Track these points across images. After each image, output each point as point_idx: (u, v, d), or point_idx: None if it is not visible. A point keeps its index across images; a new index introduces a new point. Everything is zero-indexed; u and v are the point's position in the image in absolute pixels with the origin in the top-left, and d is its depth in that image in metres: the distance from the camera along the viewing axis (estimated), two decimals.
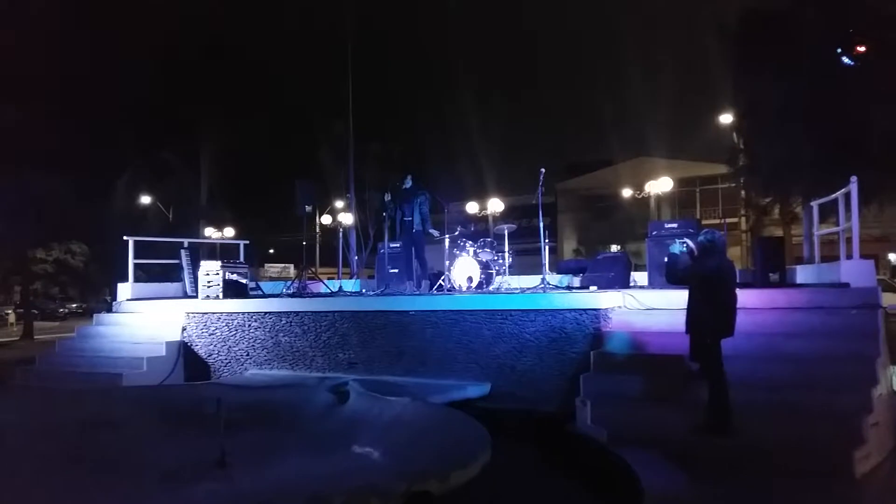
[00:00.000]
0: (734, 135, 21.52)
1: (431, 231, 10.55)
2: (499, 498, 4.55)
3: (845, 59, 7.59)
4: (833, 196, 8.32)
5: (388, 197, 10.90)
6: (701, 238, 5.87)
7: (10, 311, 33.40)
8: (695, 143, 28.69)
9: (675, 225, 9.42)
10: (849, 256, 7.73)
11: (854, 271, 7.36)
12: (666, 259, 6.21)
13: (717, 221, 28.27)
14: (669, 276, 6.09)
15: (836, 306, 6.76)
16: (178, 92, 27.00)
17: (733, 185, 25.04)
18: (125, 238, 11.56)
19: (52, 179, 22.33)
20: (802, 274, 9.16)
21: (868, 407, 5.50)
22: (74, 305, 36.82)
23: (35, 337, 23.80)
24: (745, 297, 6.22)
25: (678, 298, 6.14)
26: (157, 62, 25.11)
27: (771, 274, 8.20)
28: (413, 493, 3.62)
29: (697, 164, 30.40)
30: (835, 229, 8.61)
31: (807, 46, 12.20)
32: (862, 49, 7.39)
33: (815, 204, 9.33)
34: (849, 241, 7.76)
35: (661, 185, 21.42)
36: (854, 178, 7.50)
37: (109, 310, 11.48)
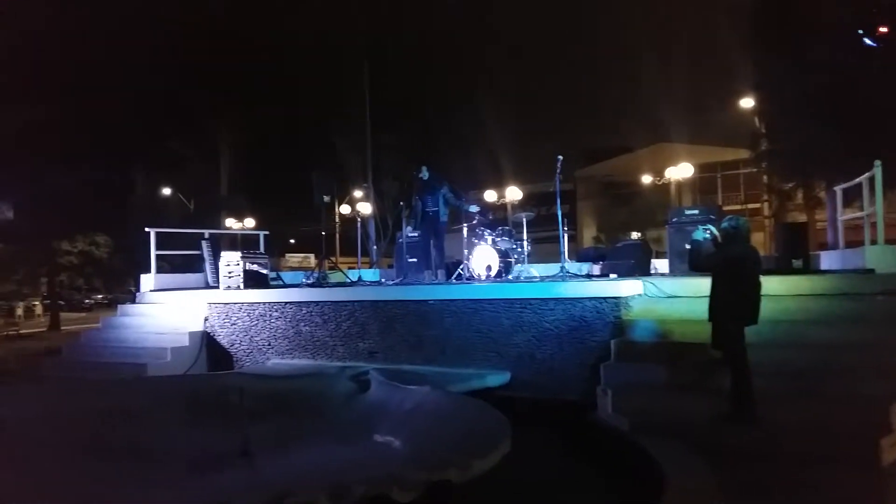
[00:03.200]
0: (756, 119, 21.21)
1: (471, 208, 10.51)
2: (519, 486, 4.55)
3: (867, 41, 7.41)
4: (857, 180, 8.19)
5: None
6: (725, 224, 5.79)
7: (37, 303, 33.99)
8: (716, 128, 28.31)
9: (695, 211, 9.33)
10: (873, 242, 7.61)
11: (879, 257, 7.26)
12: (688, 246, 6.15)
13: (739, 207, 27.92)
14: (693, 262, 6.02)
15: (861, 292, 6.66)
16: (195, 83, 27.21)
17: (755, 170, 24.69)
18: (146, 230, 11.68)
19: (74, 173, 22.76)
20: (826, 260, 9.05)
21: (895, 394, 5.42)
22: (100, 296, 37.34)
23: (62, 328, 24.23)
24: (769, 284, 6.14)
25: (700, 286, 6.08)
26: (171, 54, 25.36)
27: (794, 260, 8.09)
28: (433, 482, 3.63)
29: (719, 150, 29.99)
30: (859, 214, 8.48)
31: (827, 29, 11.96)
32: (884, 30, 7.19)
33: (838, 189, 9.19)
34: (873, 225, 7.64)
35: (681, 171, 21.14)
36: (878, 163, 7.37)
37: (133, 301, 11.63)
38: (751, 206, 28.81)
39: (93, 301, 37.41)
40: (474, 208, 10.56)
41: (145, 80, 25.21)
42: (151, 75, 25.36)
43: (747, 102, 21.36)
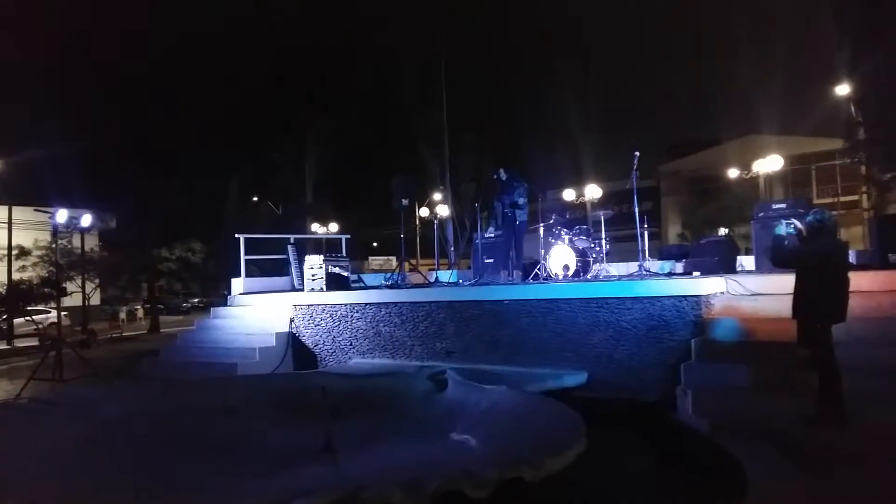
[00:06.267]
0: (852, 107, 20.11)
1: (517, 214, 10.56)
2: (596, 486, 4.52)
3: None
4: None
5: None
6: (810, 218, 5.57)
7: (139, 307, 36.13)
8: (809, 118, 26.96)
9: (783, 205, 8.97)
10: None
11: None
12: (771, 241, 5.95)
13: (831, 200, 26.49)
14: (775, 258, 5.81)
15: None
16: (280, 94, 28.26)
17: (852, 160, 23.39)
18: (236, 236, 12.23)
19: (171, 183, 24.13)
20: None
21: None
22: (196, 300, 39.26)
23: (161, 330, 25.64)
24: (861, 280, 5.88)
25: (787, 283, 5.85)
26: (257, 68, 26.49)
27: (890, 255, 7.65)
28: (506, 479, 3.67)
29: (812, 140, 28.57)
30: None
31: None
32: None
33: None
34: None
35: (770, 164, 20.26)
36: None
37: (225, 303, 12.18)
38: (848, 198, 27.31)
39: (190, 304, 39.36)
40: (523, 215, 10.51)
41: (234, 91, 26.43)
42: (240, 87, 26.59)
43: (843, 89, 20.28)
